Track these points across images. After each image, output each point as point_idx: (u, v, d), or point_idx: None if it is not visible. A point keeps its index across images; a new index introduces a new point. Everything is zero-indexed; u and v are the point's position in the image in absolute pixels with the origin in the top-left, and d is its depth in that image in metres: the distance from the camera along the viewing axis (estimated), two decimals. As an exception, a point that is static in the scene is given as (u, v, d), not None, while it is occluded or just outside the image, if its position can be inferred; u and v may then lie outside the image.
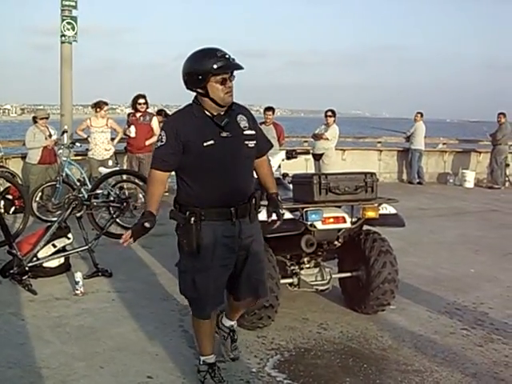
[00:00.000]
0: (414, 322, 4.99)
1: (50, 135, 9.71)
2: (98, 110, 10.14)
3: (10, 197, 9.18)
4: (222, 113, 3.44)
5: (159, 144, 3.46)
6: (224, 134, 3.42)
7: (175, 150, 3.41)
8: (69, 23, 10.66)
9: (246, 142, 3.50)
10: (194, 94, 3.48)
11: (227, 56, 3.35)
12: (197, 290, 3.54)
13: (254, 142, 3.54)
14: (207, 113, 3.43)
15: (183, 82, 3.47)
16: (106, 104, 10.35)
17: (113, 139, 10.47)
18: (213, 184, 3.43)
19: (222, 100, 3.38)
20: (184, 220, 3.46)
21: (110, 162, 9.79)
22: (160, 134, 3.49)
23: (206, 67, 3.31)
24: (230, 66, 3.36)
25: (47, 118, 9.90)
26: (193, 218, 3.42)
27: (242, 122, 3.52)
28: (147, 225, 3.37)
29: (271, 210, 3.73)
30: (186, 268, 3.59)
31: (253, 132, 3.55)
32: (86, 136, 10.35)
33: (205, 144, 3.36)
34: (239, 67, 3.39)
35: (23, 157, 10.33)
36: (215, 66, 3.30)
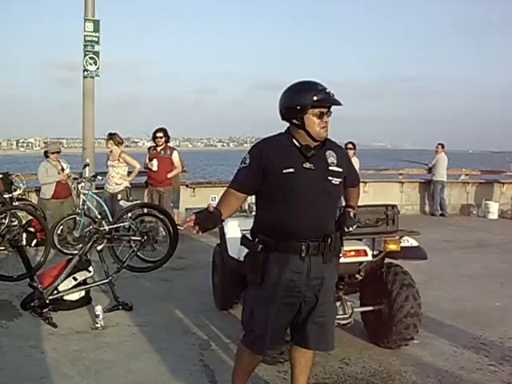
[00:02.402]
0: (438, 357, 4.89)
1: (63, 169, 9.71)
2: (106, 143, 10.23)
3: (32, 229, 9.17)
4: (312, 146, 3.36)
5: (242, 166, 3.42)
6: (307, 165, 3.33)
7: (255, 174, 3.36)
8: (91, 58, 10.83)
9: (330, 178, 3.36)
10: (288, 124, 3.44)
11: (327, 90, 3.32)
12: (254, 322, 3.44)
13: (340, 179, 3.41)
14: (295, 142, 3.37)
15: (279, 112, 3.45)
16: (110, 136, 10.14)
17: (130, 173, 10.41)
18: (287, 214, 3.30)
19: (317, 134, 3.33)
20: (252, 247, 3.42)
21: (119, 196, 9.63)
22: (244, 156, 3.45)
23: (306, 98, 3.29)
24: (329, 100, 3.33)
25: (59, 152, 9.91)
26: (260, 246, 3.36)
27: (331, 157, 3.41)
28: (211, 209, 3.24)
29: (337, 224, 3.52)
30: (248, 298, 3.53)
31: (340, 169, 3.41)
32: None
33: (284, 171, 3.29)
34: (338, 103, 3.35)
35: (38, 190, 10.30)
36: (315, 98, 3.27)
